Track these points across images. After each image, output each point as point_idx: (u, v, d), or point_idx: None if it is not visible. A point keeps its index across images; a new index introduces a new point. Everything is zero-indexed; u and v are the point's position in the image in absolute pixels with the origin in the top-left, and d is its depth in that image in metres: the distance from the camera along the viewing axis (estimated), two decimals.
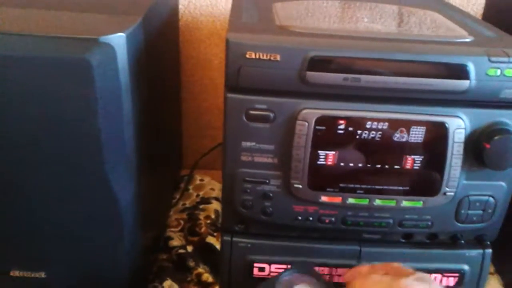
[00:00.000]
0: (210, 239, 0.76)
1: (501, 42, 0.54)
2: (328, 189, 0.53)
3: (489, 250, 0.58)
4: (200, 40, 0.90)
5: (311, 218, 0.54)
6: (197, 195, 0.88)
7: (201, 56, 0.91)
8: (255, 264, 0.58)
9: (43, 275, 0.59)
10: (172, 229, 0.79)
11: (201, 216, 0.82)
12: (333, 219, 0.54)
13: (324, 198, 0.53)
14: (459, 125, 0.50)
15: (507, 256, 0.68)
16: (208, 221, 0.80)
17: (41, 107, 0.48)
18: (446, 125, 0.50)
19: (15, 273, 0.59)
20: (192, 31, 0.90)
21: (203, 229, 0.79)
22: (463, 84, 0.49)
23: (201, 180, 0.92)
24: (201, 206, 0.84)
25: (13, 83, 0.47)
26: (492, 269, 0.71)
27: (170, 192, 0.87)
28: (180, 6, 0.88)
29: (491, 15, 0.76)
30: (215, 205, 0.84)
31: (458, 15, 0.65)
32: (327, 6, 0.68)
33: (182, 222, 0.81)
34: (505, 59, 0.48)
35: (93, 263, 0.58)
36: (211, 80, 0.93)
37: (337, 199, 0.53)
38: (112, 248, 0.57)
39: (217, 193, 0.88)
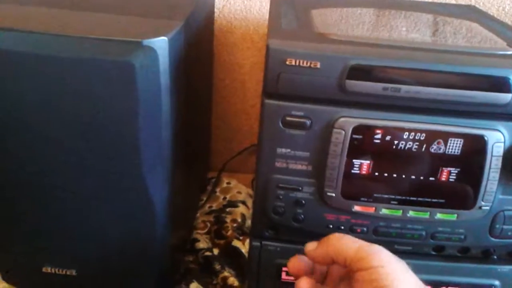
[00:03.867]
0: (236, 243, 0.77)
1: None
2: (361, 199, 0.53)
3: None
4: (233, 43, 0.91)
5: (342, 227, 0.54)
6: (224, 198, 0.88)
7: (233, 59, 0.92)
8: (284, 268, 0.58)
9: (74, 272, 0.60)
10: (199, 231, 0.79)
11: (228, 219, 0.82)
12: (365, 229, 0.54)
13: (357, 208, 0.53)
14: (498, 138, 0.50)
15: None
16: (235, 225, 0.81)
17: (83, 107, 0.49)
18: (485, 138, 0.50)
19: (47, 269, 0.60)
20: (225, 34, 0.90)
21: (229, 233, 0.79)
22: (505, 97, 0.48)
23: (228, 183, 0.93)
24: (227, 209, 0.85)
25: (57, 84, 0.48)
26: None
27: (197, 194, 0.87)
28: (215, 10, 0.88)
29: None
30: (242, 209, 0.84)
31: (497, 26, 0.64)
32: (362, 13, 0.67)
33: (208, 224, 0.81)
34: None
35: (124, 263, 0.59)
36: (242, 84, 0.93)
37: (370, 209, 0.53)
38: (143, 248, 0.58)
39: (243, 196, 0.88)
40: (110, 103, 0.49)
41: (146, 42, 0.49)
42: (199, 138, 0.83)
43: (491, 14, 0.84)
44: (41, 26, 0.50)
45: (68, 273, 0.59)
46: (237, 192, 0.90)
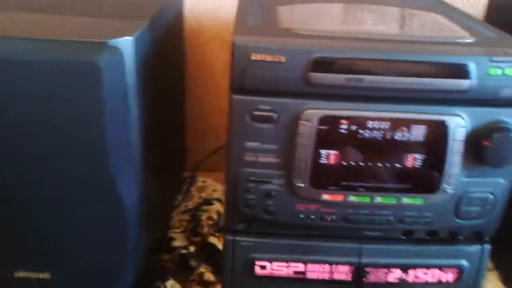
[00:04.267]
0: (212, 239, 0.77)
1: (502, 42, 0.55)
2: (330, 188, 0.54)
3: (488, 246, 0.59)
4: (204, 43, 0.92)
5: (312, 217, 0.55)
6: (200, 197, 0.89)
7: (205, 59, 0.93)
8: (257, 262, 0.59)
9: (47, 276, 0.59)
10: (175, 230, 0.80)
11: (203, 217, 0.83)
12: (334, 217, 0.55)
13: (326, 197, 0.54)
14: (459, 123, 0.51)
15: (506, 253, 0.69)
16: (210, 222, 0.81)
17: (49, 110, 0.49)
18: (447, 123, 0.51)
19: (20, 274, 0.59)
20: (196, 34, 0.91)
21: (205, 230, 0.80)
22: (464, 83, 0.50)
23: (204, 182, 0.93)
24: (203, 207, 0.85)
25: (21, 87, 0.48)
26: (491, 265, 0.72)
27: (173, 194, 0.88)
28: (185, 11, 0.89)
29: (493, 17, 0.77)
30: (217, 206, 0.85)
31: (460, 17, 0.66)
32: (331, 9, 0.69)
33: (184, 223, 0.82)
34: (506, 58, 0.49)
35: (98, 264, 0.59)
36: (215, 82, 0.94)
37: (339, 197, 0.54)
38: (116, 249, 0.58)
39: (219, 194, 0.89)
40: (77, 105, 0.49)
41: (111, 42, 0.49)
42: (172, 138, 0.83)
43: (457, 6, 0.86)
44: (5, 29, 0.50)
45: (41, 276, 0.59)
46: (212, 190, 0.90)
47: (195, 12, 0.90)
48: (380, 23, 0.63)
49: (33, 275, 0.59)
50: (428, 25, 0.63)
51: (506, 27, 0.60)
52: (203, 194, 0.89)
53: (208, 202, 0.87)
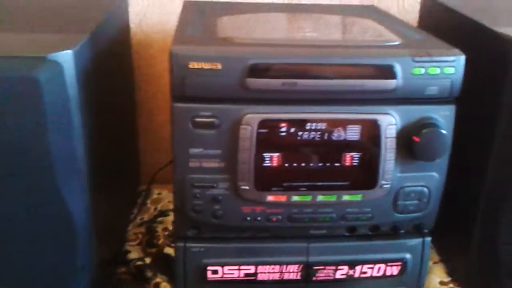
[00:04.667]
0: (168, 250, 0.78)
1: (427, 44, 0.58)
2: (273, 189, 0.56)
3: (428, 238, 0.62)
4: (153, 56, 0.93)
5: (259, 218, 0.57)
6: (155, 209, 0.89)
7: (154, 72, 0.94)
8: (209, 267, 0.60)
9: None
10: (131, 243, 0.80)
11: (159, 228, 0.83)
12: (280, 217, 0.57)
13: (270, 198, 0.56)
14: (390, 121, 0.54)
15: (450, 245, 0.73)
16: (166, 233, 0.82)
17: None
18: (378, 122, 0.54)
19: None
20: (144, 48, 0.92)
21: (161, 241, 0.80)
22: (391, 83, 0.53)
23: (159, 194, 0.94)
24: (158, 219, 0.86)
25: None
26: (436, 258, 0.75)
27: (128, 207, 0.88)
28: (132, 25, 0.90)
29: (425, 23, 0.81)
30: (173, 217, 0.86)
31: (391, 22, 0.70)
32: (270, 19, 0.71)
33: (140, 236, 0.82)
34: (428, 58, 0.53)
35: (48, 277, 0.59)
36: (164, 95, 0.95)
37: (282, 198, 0.56)
38: (67, 261, 0.58)
39: None
40: (18, 119, 0.49)
41: (51, 56, 0.50)
42: (123, 151, 0.83)
43: (393, 13, 0.90)
44: None
45: None
46: (168, 201, 0.91)
47: (142, 26, 0.91)
48: (315, 30, 0.66)
49: None
50: (360, 30, 0.66)
51: (437, 31, 0.64)
52: (159, 206, 0.90)
53: (164, 213, 0.87)
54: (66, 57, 0.51)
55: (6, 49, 0.51)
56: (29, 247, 0.56)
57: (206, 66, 0.51)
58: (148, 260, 0.76)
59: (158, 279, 0.72)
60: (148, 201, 0.91)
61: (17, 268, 0.58)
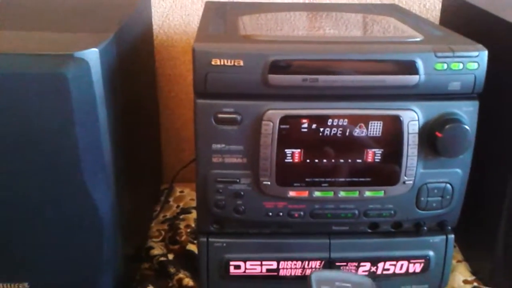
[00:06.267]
0: (191, 247, 0.79)
1: (448, 40, 0.58)
2: (295, 184, 0.56)
3: (452, 236, 0.62)
4: (175, 57, 0.94)
5: (281, 213, 0.58)
6: (178, 206, 0.90)
7: (176, 72, 0.95)
8: (231, 263, 0.61)
9: (26, 285, 0.61)
10: (154, 240, 0.81)
11: (182, 225, 0.84)
12: (301, 213, 0.58)
13: (291, 193, 0.56)
14: (412, 117, 0.54)
15: (473, 244, 0.72)
16: (188, 230, 0.83)
17: (21, 121, 0.51)
18: (401, 118, 0.54)
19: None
20: (166, 49, 0.94)
21: (183, 238, 0.81)
22: (413, 79, 0.53)
23: (181, 192, 0.95)
24: (181, 216, 0.87)
25: None
26: (460, 256, 0.74)
27: (151, 205, 0.89)
28: (155, 27, 0.92)
29: (447, 20, 0.81)
30: (195, 215, 0.87)
31: (413, 20, 0.70)
32: (291, 17, 0.72)
33: (163, 232, 0.83)
34: (450, 53, 0.52)
35: (75, 271, 0.60)
36: (187, 95, 0.96)
37: (304, 193, 0.56)
38: (93, 256, 0.59)
39: None
40: (47, 115, 0.51)
41: (78, 54, 0.51)
42: (147, 150, 0.85)
43: (413, 11, 0.90)
44: None
45: (20, 287, 0.60)
46: (190, 199, 0.92)
47: (165, 27, 0.92)
48: (336, 28, 0.66)
49: (12, 286, 0.60)
50: (381, 27, 0.66)
51: (459, 28, 0.64)
52: (181, 204, 0.91)
53: (186, 211, 0.88)
54: (92, 55, 0.52)
55: (35, 47, 0.52)
56: (56, 241, 0.58)
57: (228, 62, 0.52)
58: (171, 256, 0.77)
59: (181, 275, 0.72)
60: (171, 199, 0.92)
61: (45, 262, 0.59)
